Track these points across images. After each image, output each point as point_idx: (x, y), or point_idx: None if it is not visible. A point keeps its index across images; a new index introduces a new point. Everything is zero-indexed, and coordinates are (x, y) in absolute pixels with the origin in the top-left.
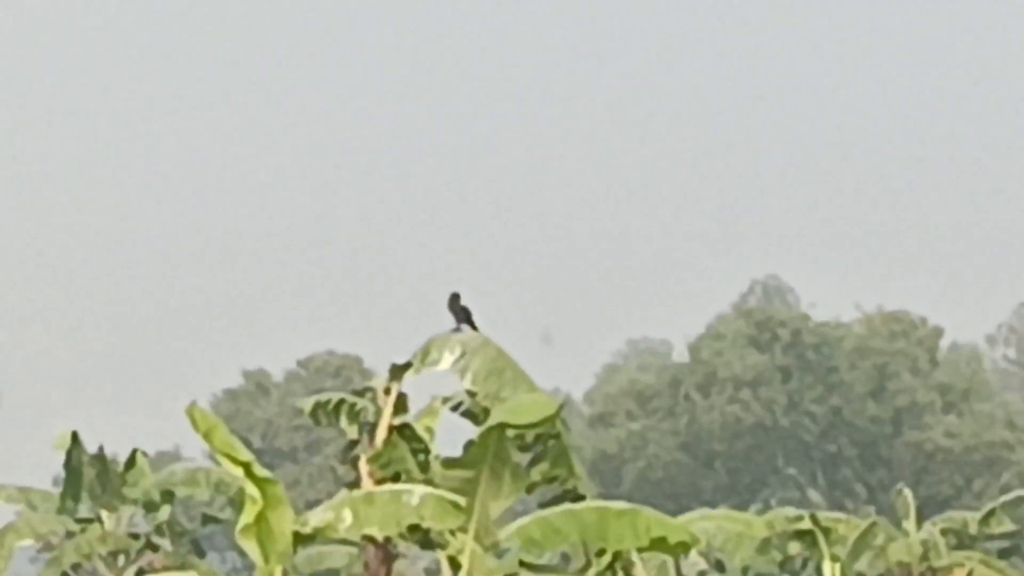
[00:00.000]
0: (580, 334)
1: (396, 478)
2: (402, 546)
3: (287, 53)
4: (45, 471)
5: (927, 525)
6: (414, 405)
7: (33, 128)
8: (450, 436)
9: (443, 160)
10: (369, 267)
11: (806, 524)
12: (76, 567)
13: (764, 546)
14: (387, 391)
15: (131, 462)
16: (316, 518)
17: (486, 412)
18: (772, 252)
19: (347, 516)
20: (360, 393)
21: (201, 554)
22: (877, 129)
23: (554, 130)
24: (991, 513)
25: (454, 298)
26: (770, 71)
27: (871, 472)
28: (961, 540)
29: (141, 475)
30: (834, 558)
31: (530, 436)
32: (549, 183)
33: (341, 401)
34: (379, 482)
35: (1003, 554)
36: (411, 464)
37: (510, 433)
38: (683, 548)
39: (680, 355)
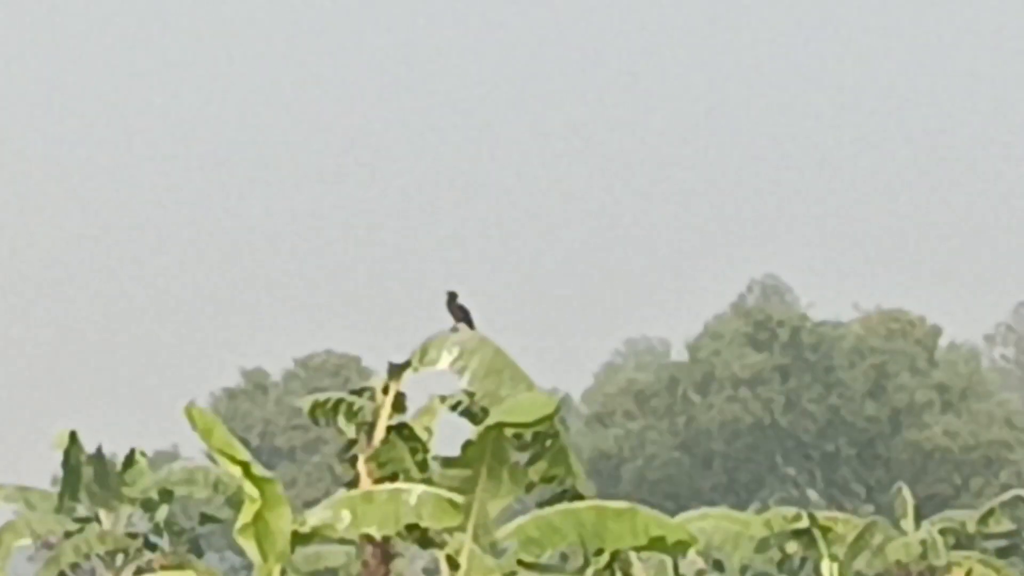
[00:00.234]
0: (578, 334)
1: (394, 477)
2: (400, 545)
3: (287, 53)
4: (44, 470)
5: (925, 524)
6: (412, 404)
7: (32, 128)
8: (448, 435)
9: (442, 160)
10: (368, 267)
11: (804, 523)
12: (74, 566)
13: (762, 545)
14: (385, 390)
15: (129, 461)
16: (315, 517)
17: (484, 411)
18: (770, 251)
19: (345, 515)
20: (358, 392)
21: (199, 553)
22: (875, 129)
23: (552, 130)
24: (989, 512)
25: (452, 297)
26: (769, 71)
27: (869, 471)
28: (959, 539)
29: (139, 474)
30: (832, 557)
31: (528, 435)
32: (548, 183)
33: (339, 400)
34: (377, 481)
35: (1001, 553)
36: (409, 463)
37: (508, 432)
38: (681, 547)
39: (678, 354)
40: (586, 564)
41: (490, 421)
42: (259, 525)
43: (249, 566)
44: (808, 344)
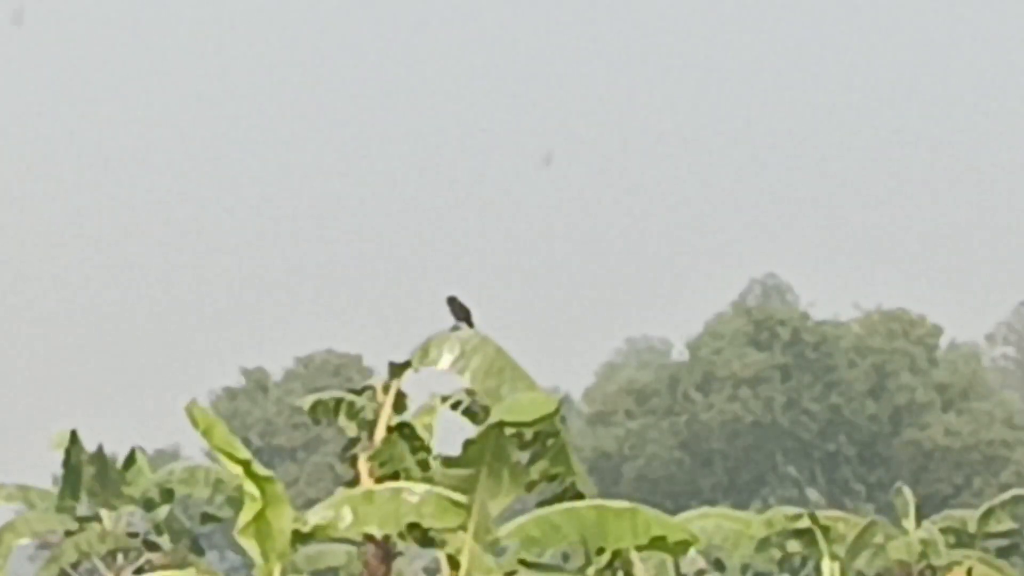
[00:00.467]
0: (579, 333)
1: (395, 476)
2: (401, 544)
3: (286, 53)
4: (44, 470)
5: (926, 524)
6: (413, 403)
7: (32, 128)
8: (449, 434)
9: (442, 159)
10: (368, 266)
11: (805, 523)
12: (75, 565)
13: (763, 545)
14: (386, 389)
15: (130, 461)
16: (316, 516)
17: (485, 410)
18: (771, 251)
19: (347, 514)
20: (359, 392)
21: (200, 552)
22: (876, 128)
23: (551, 130)
24: (990, 512)
25: (452, 300)
26: (768, 71)
27: (870, 471)
28: (960, 538)
29: (140, 474)
30: (833, 557)
31: (529, 434)
32: (548, 183)
33: (340, 400)
34: (378, 480)
35: (1002, 552)
36: (410, 462)
37: (509, 431)
38: (682, 547)
39: (679, 354)
40: (587, 563)
41: (491, 420)
42: (260, 524)
43: (250, 565)
44: (809, 343)
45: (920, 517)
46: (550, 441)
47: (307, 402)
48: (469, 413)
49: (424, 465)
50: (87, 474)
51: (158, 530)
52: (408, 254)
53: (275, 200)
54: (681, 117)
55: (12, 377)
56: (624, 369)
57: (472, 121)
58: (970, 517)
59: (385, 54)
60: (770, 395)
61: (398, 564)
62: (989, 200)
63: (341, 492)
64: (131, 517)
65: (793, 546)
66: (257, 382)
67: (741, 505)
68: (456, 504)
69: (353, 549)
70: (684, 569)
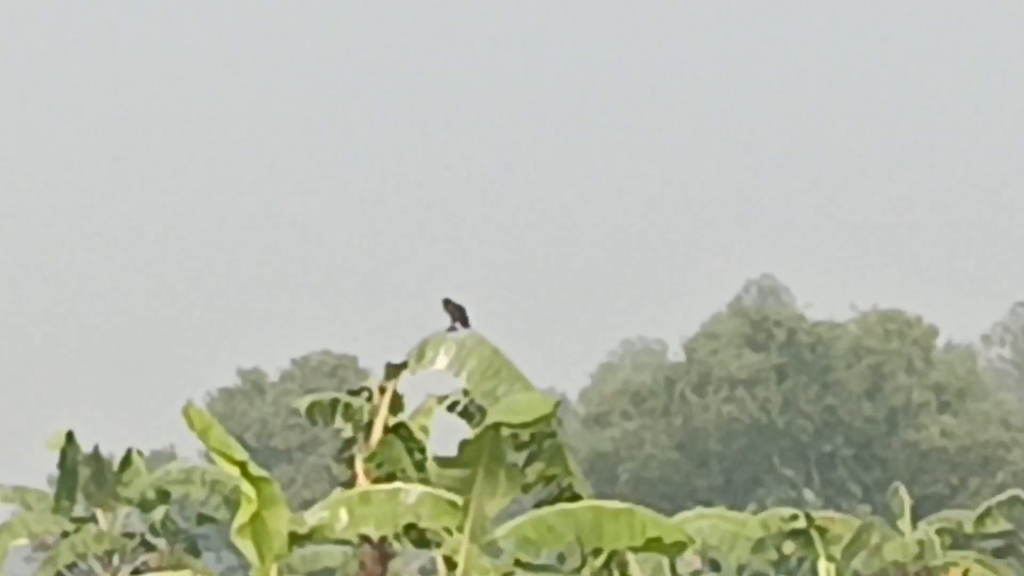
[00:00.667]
0: (575, 334)
1: (392, 477)
2: (397, 545)
3: (283, 53)
4: (40, 470)
5: (922, 524)
6: (410, 404)
7: (31, 128)
8: (446, 435)
9: (439, 160)
10: (365, 267)
11: (801, 524)
12: (71, 566)
13: (759, 546)
14: (383, 390)
15: (126, 461)
16: (312, 517)
17: (481, 411)
18: (767, 251)
19: (343, 515)
20: (356, 393)
21: (196, 553)
22: (872, 129)
23: (549, 131)
24: (986, 512)
25: (447, 302)
26: (765, 71)
27: (866, 472)
28: (956, 539)
29: (136, 474)
30: (829, 558)
31: (525, 435)
32: (544, 183)
33: (337, 400)
34: (375, 481)
35: (998, 553)
36: (407, 463)
37: (505, 432)
38: (678, 548)
39: (675, 355)
40: (583, 564)
41: (487, 421)
42: (256, 525)
43: (246, 566)
44: (805, 344)
45: (916, 518)
46: (546, 442)
47: (303, 403)
48: (465, 414)
49: (420, 466)
50: (83, 475)
51: (154, 531)
52: (404, 255)
53: (272, 201)
54: (677, 118)
55: (8, 378)
56: (620, 370)
57: (469, 122)
58: (966, 518)
59: (383, 54)
60: (766, 396)
61: (394, 565)
62: (986, 201)
63: (338, 493)
64: (127, 518)
65: (789, 547)
66: (253, 383)
67: (737, 506)
68: (452, 505)
69: (350, 550)
70: (680, 570)
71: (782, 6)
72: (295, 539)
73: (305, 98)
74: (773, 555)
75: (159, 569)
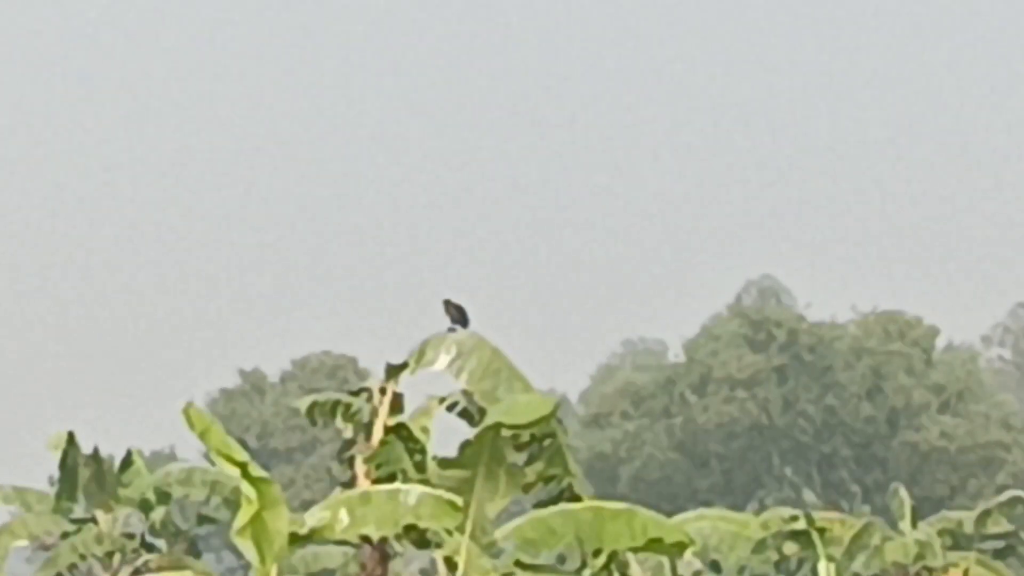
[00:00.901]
0: (575, 334)
1: (392, 478)
2: (398, 546)
3: (283, 54)
4: (41, 471)
5: (923, 525)
6: (410, 405)
7: (31, 128)
8: (446, 436)
9: (439, 161)
10: (365, 268)
11: (801, 524)
12: (72, 567)
13: (760, 546)
14: (383, 391)
15: (127, 462)
16: (312, 518)
17: (482, 412)
18: (767, 252)
19: (343, 516)
20: (356, 393)
21: (197, 554)
22: (872, 129)
23: (549, 131)
24: (987, 513)
25: (447, 302)
26: (765, 72)
27: (866, 472)
28: (957, 540)
29: (137, 475)
30: (829, 558)
31: (526, 436)
32: (545, 184)
33: (337, 401)
34: (375, 482)
35: (999, 554)
36: (407, 464)
37: (506, 433)
38: (679, 548)
39: (675, 355)
40: (583, 565)
41: (488, 422)
42: (256, 526)
43: (246, 567)
44: (805, 345)
45: (916, 519)
46: (546, 443)
47: (304, 404)
48: (465, 415)
49: (421, 467)
50: (84, 476)
51: (155, 532)
52: (404, 256)
53: (272, 202)
54: (677, 119)
55: (9, 379)
56: (620, 371)
57: (469, 123)
58: (966, 519)
59: (383, 54)
60: (766, 397)
61: (395, 566)
62: (985, 202)
63: (338, 494)
64: (128, 519)
65: (789, 548)
66: (254, 384)
67: (737, 507)
68: (453, 506)
69: (350, 551)
70: (680, 571)
71: (782, 7)
72: (295, 540)
73: (305, 99)
74: (773, 556)
75: (159, 570)
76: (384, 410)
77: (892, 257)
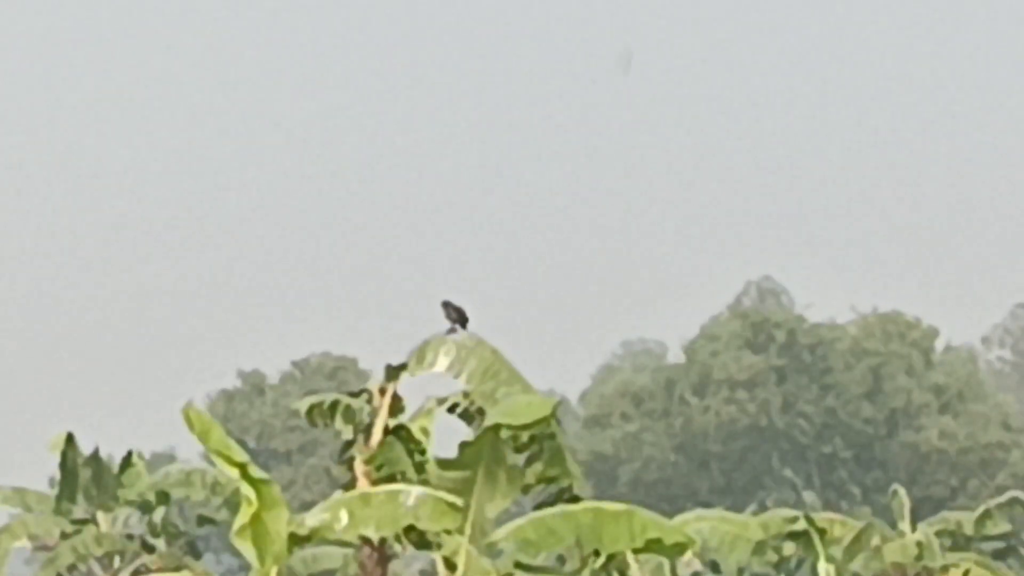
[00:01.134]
0: (575, 335)
1: (392, 479)
2: (398, 547)
3: (283, 54)
4: (41, 472)
5: (922, 526)
6: (410, 406)
7: (31, 128)
8: (446, 437)
9: (439, 162)
10: (365, 268)
11: (801, 525)
12: (71, 568)
13: (759, 547)
14: (382, 392)
15: (126, 463)
16: (312, 519)
17: (481, 413)
18: (767, 253)
19: (343, 517)
20: (355, 394)
21: (196, 555)
22: (872, 130)
23: (549, 132)
24: (986, 514)
25: (447, 303)
26: (765, 73)
27: (866, 473)
28: (956, 541)
29: (136, 476)
30: (829, 559)
31: (525, 437)
32: (545, 185)
33: (336, 402)
34: (375, 483)
35: (998, 555)
36: (407, 465)
37: (505, 434)
38: (678, 549)
39: (675, 356)
40: (583, 566)
41: (487, 423)
42: (256, 527)
43: (246, 568)
44: (805, 346)
45: (916, 519)
46: (546, 444)
47: (303, 405)
48: (465, 416)
49: (420, 468)
50: (83, 477)
51: (154, 532)
52: (404, 257)
53: (271, 203)
54: (677, 120)
55: (9, 380)
56: (620, 372)
57: (468, 124)
58: (966, 519)
59: (382, 54)
60: (766, 398)
61: (394, 567)
62: (985, 203)
63: (337, 495)
64: (127, 520)
65: (789, 548)
66: (253, 385)
67: (737, 508)
68: (452, 507)
69: (349, 552)
70: (680, 571)
71: (782, 8)
72: (295, 541)
73: (306, 101)
74: (773, 557)
75: (159, 571)
76: (384, 411)
77: (892, 258)
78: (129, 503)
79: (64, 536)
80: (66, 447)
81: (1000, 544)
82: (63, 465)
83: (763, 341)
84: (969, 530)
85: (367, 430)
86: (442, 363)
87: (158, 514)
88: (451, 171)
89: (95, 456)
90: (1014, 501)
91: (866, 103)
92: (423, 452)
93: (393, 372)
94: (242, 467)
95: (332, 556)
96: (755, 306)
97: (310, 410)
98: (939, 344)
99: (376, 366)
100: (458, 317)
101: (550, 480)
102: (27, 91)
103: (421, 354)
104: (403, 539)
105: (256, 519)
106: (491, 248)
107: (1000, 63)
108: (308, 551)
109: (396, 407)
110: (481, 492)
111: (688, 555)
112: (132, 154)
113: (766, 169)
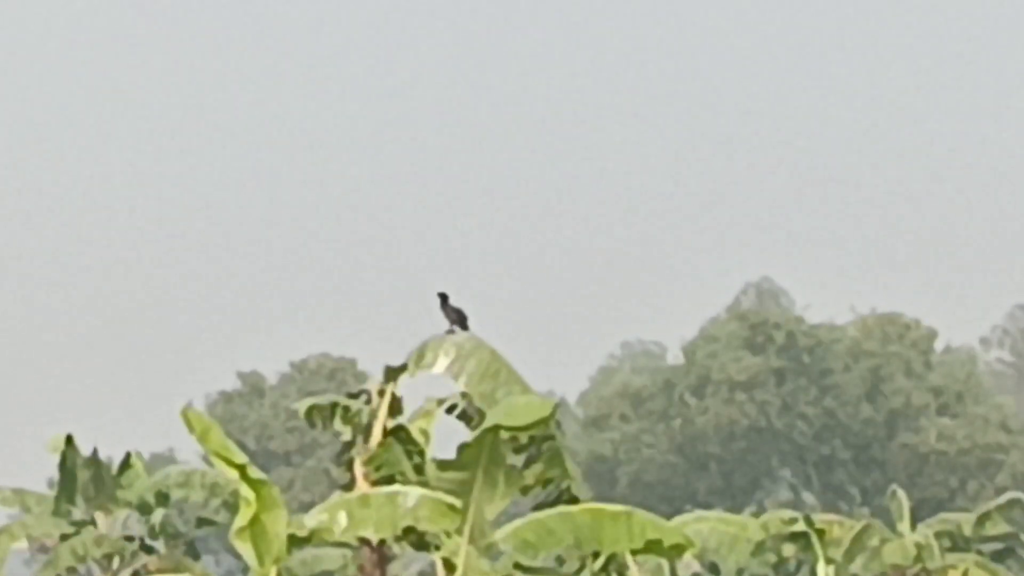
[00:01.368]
0: (574, 337)
1: (391, 480)
2: (396, 548)
3: (282, 55)
4: (40, 473)
5: (921, 527)
6: (409, 407)
7: (31, 129)
8: (445, 438)
9: (439, 162)
10: (364, 269)
11: (800, 526)
12: (71, 569)
13: (758, 548)
14: (381, 393)
15: (126, 465)
16: (311, 520)
17: (480, 414)
18: (766, 254)
19: (342, 518)
20: (355, 395)
21: (196, 556)
22: (871, 131)
23: (548, 133)
24: (985, 515)
25: (443, 299)
26: (764, 74)
27: (865, 474)
28: (955, 542)
29: (136, 477)
30: (828, 560)
31: (524, 438)
32: (544, 186)
33: (335, 403)
34: (374, 484)
35: (997, 556)
36: (406, 466)
37: (505, 435)
38: (678, 551)
39: (674, 357)
40: (582, 567)
41: (487, 424)
42: (255, 528)
43: (245, 569)
44: (804, 347)
45: (915, 521)
46: (545, 445)
47: (303, 406)
48: (464, 417)
49: (419, 469)
50: (83, 478)
51: (154, 534)
52: (403, 258)
53: (270, 204)
54: (676, 121)
55: (8, 381)
56: (619, 373)
57: (468, 125)
58: (965, 521)
59: (380, 54)
60: (765, 399)
61: (393, 568)
62: (984, 204)
63: (337, 496)
64: (127, 521)
65: (788, 550)
66: (253, 386)
67: (736, 509)
68: (451, 508)
69: (348, 553)
70: (679, 573)
71: (782, 8)
72: (294, 542)
73: (305, 101)
74: (772, 558)
75: (158, 572)
76: (383, 412)
77: (891, 259)
78: (128, 504)
79: (63, 537)
80: (65, 448)
81: (999, 545)
82: (62, 466)
83: (762, 342)
84: (968, 531)
85: (366, 431)
86: (441, 364)
87: (157, 515)
88: (451, 172)
89: (94, 457)
90: (1013, 502)
91: (865, 104)
92: (422, 453)
93: (392, 373)
94: (241, 468)
95: (331, 557)
96: (754, 307)
97: (309, 411)
98: (938, 345)
99: (375, 367)
100: (457, 318)
101: (549, 481)
102: (27, 91)
103: (420, 355)
104: (402, 540)
105: (255, 520)
106: (491, 249)
107: (1000, 63)
108: (307, 552)
109: (395, 408)
110: (480, 493)
111: (687, 556)
112: (132, 155)
113: (765, 170)
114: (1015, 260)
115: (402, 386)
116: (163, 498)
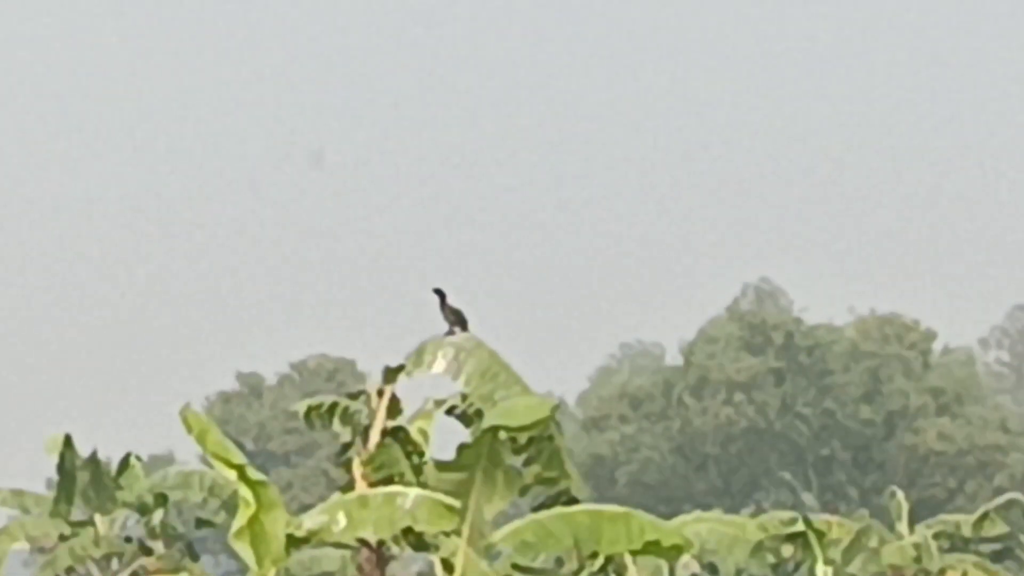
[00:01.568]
0: (573, 337)
1: (389, 481)
2: (395, 549)
3: (281, 53)
4: (39, 474)
5: (920, 528)
6: (408, 408)
7: (30, 129)
8: (444, 439)
9: (438, 163)
10: (362, 270)
11: (799, 527)
12: (69, 570)
13: (757, 549)
14: (380, 394)
15: (124, 465)
16: (310, 521)
17: (479, 415)
18: (765, 255)
19: (341, 519)
20: (353, 396)
21: (194, 557)
22: (870, 133)
23: (547, 134)
24: (984, 516)
25: (441, 297)
26: (763, 75)
27: (864, 475)
28: (954, 543)
29: (134, 478)
30: (827, 561)
31: (523, 439)
32: (543, 187)
33: (334, 404)
34: (373, 485)
35: (996, 557)
36: (404, 467)
37: (503, 436)
38: (676, 551)
39: (673, 358)
40: (581, 568)
41: (485, 425)
42: (254, 529)
43: (244, 570)
44: (803, 348)
45: (914, 521)
46: (544, 446)
47: (301, 407)
48: (463, 418)
49: (418, 470)
50: (81, 479)
51: (152, 535)
52: (403, 258)
53: (269, 205)
54: (675, 122)
55: (7, 381)
56: (618, 374)
57: (468, 126)
58: (964, 521)
59: (380, 54)
60: (764, 400)
61: (392, 569)
62: (982, 205)
63: (335, 497)
64: (125, 522)
65: (787, 550)
66: (251, 387)
67: (735, 509)
68: (450, 508)
69: (347, 554)
70: (678, 573)
71: (781, 10)
72: (293, 543)
73: (304, 103)
74: (771, 559)
75: (157, 572)
76: (382, 413)
77: (889, 260)
78: (127, 505)
79: (62, 538)
80: (64, 449)
81: (998, 546)
82: (61, 467)
83: (761, 343)
84: (967, 532)
85: (365, 432)
86: (440, 365)
87: (156, 516)
88: (450, 172)
89: (93, 458)
90: (1012, 503)
91: (865, 105)
92: (421, 454)
93: (391, 374)
94: (240, 469)
95: (330, 558)
96: (753, 308)
97: (308, 412)
98: (937, 346)
99: (374, 368)
100: (457, 319)
101: (548, 482)
102: (27, 90)
103: (419, 356)
104: (401, 541)
105: (254, 521)
106: (490, 249)
107: (999, 64)
108: (306, 553)
109: (394, 409)
110: (479, 494)
111: (686, 557)
112: (132, 155)
113: (764, 171)
114: (1014, 261)
115: (401, 387)
116: (162, 499)
